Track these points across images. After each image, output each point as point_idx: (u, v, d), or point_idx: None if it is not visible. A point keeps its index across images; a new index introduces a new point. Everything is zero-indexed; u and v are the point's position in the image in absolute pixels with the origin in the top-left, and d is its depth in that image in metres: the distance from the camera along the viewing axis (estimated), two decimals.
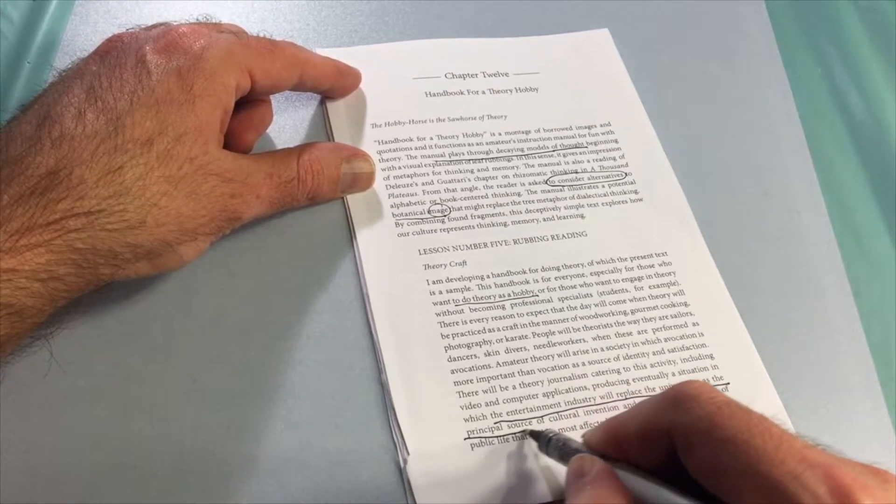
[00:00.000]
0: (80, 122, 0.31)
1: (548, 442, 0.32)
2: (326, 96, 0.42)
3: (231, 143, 0.37)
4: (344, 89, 0.42)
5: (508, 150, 0.42)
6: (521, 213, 0.40)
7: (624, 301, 0.38)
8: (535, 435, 0.33)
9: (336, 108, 0.42)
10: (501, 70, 0.45)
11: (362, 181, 0.39)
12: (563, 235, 0.40)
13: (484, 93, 0.44)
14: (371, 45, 0.45)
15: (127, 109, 0.32)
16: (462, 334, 0.36)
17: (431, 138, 0.41)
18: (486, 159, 0.41)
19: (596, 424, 0.30)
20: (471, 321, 0.36)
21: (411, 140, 0.41)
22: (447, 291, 0.37)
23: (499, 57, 0.45)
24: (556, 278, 0.38)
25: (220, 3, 0.46)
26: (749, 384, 0.36)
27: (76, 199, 0.30)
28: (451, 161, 0.41)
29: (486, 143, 0.42)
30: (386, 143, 0.41)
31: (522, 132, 0.43)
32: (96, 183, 0.30)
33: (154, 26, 0.37)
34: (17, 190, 0.30)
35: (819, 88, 0.47)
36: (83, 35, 0.44)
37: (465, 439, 0.34)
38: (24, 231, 0.29)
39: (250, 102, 0.38)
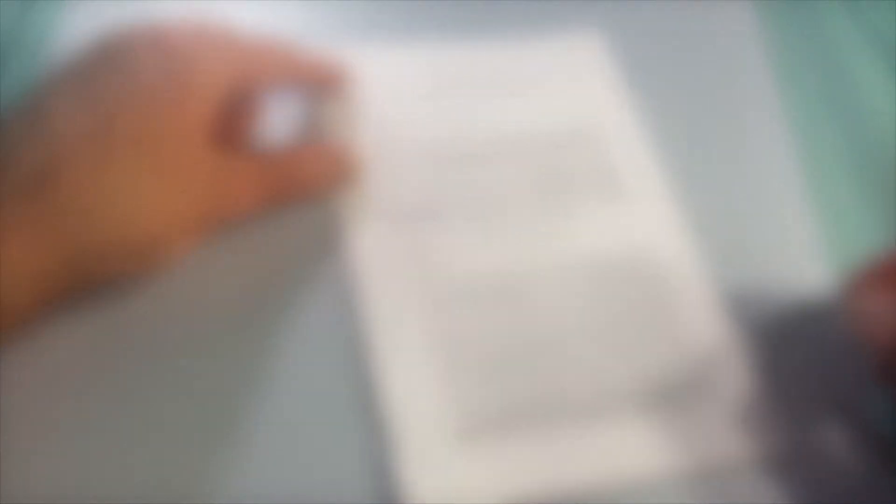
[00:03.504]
0: (71, 120, 0.31)
1: None
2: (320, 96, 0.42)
3: (223, 142, 0.36)
4: (338, 89, 0.42)
5: (499, 153, 0.42)
6: (512, 214, 0.40)
7: (615, 302, 0.38)
8: None
9: (330, 108, 0.42)
10: (491, 76, 0.45)
11: (355, 179, 0.39)
12: (554, 236, 0.40)
13: (474, 98, 0.44)
14: (366, 48, 0.45)
15: (118, 108, 0.32)
16: (456, 334, 0.36)
17: (424, 140, 0.42)
18: (477, 162, 0.41)
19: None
20: (464, 321, 0.37)
21: (404, 142, 0.41)
22: (441, 291, 0.37)
23: (487, 63, 0.46)
24: (548, 279, 0.38)
25: (214, 2, 0.46)
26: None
27: (66, 199, 0.30)
28: (443, 162, 0.41)
29: (479, 145, 0.42)
30: (379, 144, 0.41)
31: (512, 135, 0.43)
32: (86, 182, 0.30)
33: (146, 24, 0.36)
34: (7, 189, 0.30)
35: (808, 92, 0.48)
36: (74, 32, 0.43)
37: (459, 438, 0.34)
38: (13, 230, 0.29)
39: (243, 101, 0.38)
